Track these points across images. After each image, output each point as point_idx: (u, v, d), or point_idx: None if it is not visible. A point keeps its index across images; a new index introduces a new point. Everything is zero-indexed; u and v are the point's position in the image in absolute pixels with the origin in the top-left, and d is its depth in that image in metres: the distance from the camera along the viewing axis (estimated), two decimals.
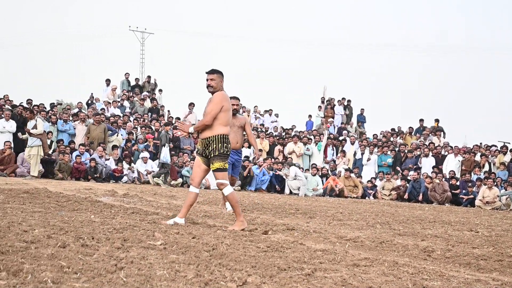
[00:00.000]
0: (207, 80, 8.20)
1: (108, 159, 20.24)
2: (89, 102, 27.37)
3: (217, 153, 8.13)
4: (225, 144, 8.11)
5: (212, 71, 8.23)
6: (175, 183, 19.97)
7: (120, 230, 6.84)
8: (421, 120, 28.82)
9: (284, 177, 20.92)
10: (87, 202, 10.73)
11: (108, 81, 28.67)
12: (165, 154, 20.48)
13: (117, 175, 19.78)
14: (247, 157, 22.27)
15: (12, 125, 19.54)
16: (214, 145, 8.09)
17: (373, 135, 28.19)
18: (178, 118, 26.31)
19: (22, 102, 23.22)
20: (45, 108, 23.85)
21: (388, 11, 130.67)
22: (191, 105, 26.99)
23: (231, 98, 11.89)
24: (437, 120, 28.23)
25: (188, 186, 19.37)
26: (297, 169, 21.11)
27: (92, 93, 28.20)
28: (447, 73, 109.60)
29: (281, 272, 5.08)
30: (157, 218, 8.69)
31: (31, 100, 23.97)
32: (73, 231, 6.36)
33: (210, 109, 8.07)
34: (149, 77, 30.69)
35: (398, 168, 23.98)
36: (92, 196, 12.23)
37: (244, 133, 12.07)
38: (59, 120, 21.90)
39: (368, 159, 24.23)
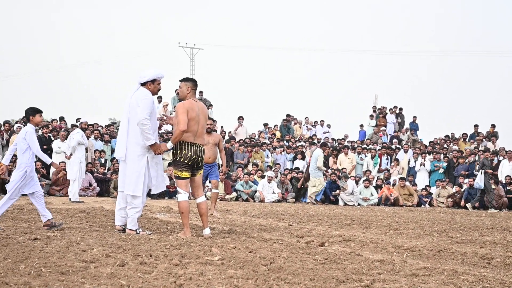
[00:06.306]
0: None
1: None
2: None
3: (172, 159, 8.32)
4: (179, 151, 8.13)
5: (181, 80, 8.43)
6: (229, 197, 20.01)
7: (177, 246, 6.89)
8: (476, 126, 28.38)
9: (341, 190, 20.79)
10: (143, 219, 10.82)
11: (159, 98, 28.91)
12: (479, 179, 20.35)
13: (172, 191, 19.91)
14: (298, 168, 22.31)
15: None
16: (174, 151, 8.23)
17: (430, 142, 27.85)
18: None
19: (79, 118, 23.58)
20: (101, 127, 24.22)
21: (435, 18, 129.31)
22: (240, 118, 27.08)
23: None
24: (493, 126, 27.74)
25: (243, 200, 19.59)
26: (354, 184, 21.03)
27: None
28: (501, 77, 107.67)
29: (339, 284, 5.06)
30: (213, 233, 8.73)
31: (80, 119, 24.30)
32: (131, 249, 6.44)
33: (178, 120, 8.06)
34: (201, 92, 30.67)
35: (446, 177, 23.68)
36: (148, 213, 12.33)
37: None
38: (113, 138, 22.18)
39: (421, 164, 23.99)
